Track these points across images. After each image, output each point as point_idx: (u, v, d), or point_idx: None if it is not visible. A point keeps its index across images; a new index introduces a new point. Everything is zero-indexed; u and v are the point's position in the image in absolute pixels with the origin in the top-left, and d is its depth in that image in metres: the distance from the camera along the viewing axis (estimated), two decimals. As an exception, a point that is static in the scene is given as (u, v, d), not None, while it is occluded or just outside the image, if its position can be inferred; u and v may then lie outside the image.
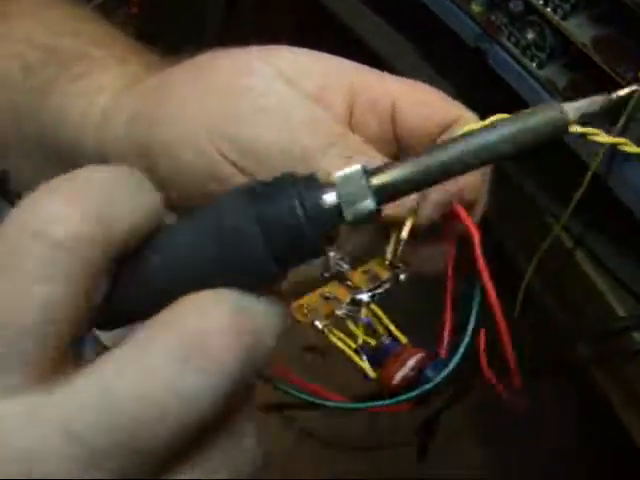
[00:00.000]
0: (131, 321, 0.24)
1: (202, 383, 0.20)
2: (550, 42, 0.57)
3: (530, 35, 0.58)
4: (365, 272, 0.43)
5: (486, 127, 0.25)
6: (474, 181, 0.40)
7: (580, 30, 0.54)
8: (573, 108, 0.26)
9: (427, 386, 0.34)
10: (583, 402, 0.57)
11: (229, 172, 0.39)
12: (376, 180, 0.25)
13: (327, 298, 0.41)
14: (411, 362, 0.36)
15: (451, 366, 0.34)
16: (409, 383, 0.36)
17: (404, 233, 0.38)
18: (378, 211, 0.25)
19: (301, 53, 0.40)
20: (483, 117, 0.37)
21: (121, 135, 0.40)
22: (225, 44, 0.41)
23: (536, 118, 0.25)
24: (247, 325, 0.22)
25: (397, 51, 0.71)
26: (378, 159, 0.40)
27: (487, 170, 0.44)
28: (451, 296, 0.40)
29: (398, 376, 0.36)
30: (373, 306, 0.41)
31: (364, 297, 0.41)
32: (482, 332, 0.40)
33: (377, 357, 0.39)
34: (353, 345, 0.39)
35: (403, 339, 0.39)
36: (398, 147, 0.43)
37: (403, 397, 0.34)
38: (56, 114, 0.42)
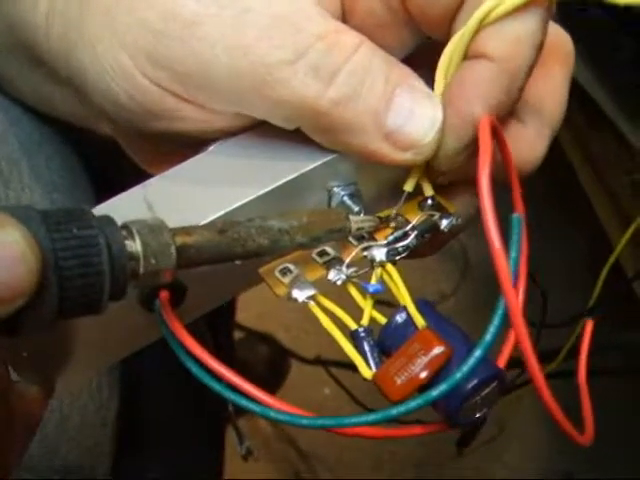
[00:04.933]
0: None
1: None
2: None
3: None
4: (387, 219, 0.30)
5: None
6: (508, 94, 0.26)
7: None
8: (355, 221, 0.27)
9: (433, 393, 0.22)
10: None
11: (173, 106, 0.28)
12: (180, 240, 0.23)
13: (323, 254, 0.28)
14: (425, 359, 0.23)
15: (471, 362, 0.21)
16: (420, 390, 0.24)
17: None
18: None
19: None
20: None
21: (60, 54, 0.31)
22: None
23: (330, 222, 0.27)
24: None
25: None
26: (379, 66, 0.27)
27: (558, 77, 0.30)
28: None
29: (402, 381, 0.23)
30: (390, 268, 0.28)
31: (378, 253, 0.28)
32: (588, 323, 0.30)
33: (384, 344, 0.26)
34: (353, 325, 0.27)
35: (420, 321, 0.25)
36: (417, 32, 0.29)
37: (388, 413, 0.22)
38: (12, 8, 0.33)
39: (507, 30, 0.25)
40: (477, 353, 0.21)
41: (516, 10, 0.25)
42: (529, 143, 0.29)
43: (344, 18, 0.28)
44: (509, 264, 0.21)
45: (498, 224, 0.21)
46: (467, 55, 0.26)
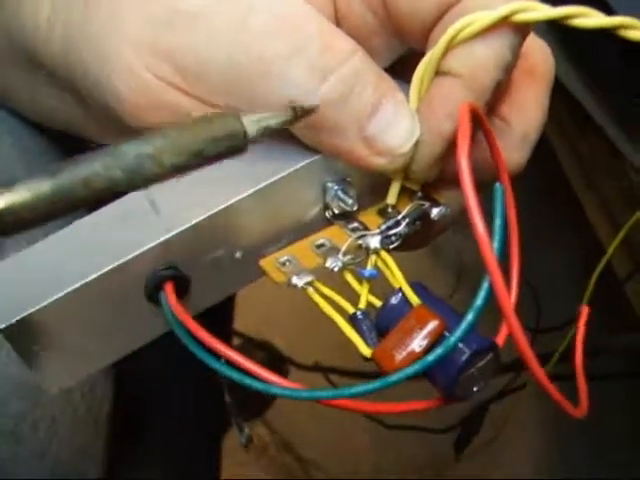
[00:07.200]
0: None
1: None
2: None
3: None
4: (380, 210, 0.31)
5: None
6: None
7: None
8: (251, 121, 0.23)
9: (430, 357, 0.23)
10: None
11: (173, 99, 0.29)
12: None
13: (321, 246, 0.30)
14: (421, 333, 0.25)
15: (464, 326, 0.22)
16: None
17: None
18: None
19: None
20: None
21: (60, 55, 0.31)
22: None
23: (213, 129, 0.22)
24: None
25: None
26: (370, 76, 0.28)
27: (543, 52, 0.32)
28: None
29: (400, 355, 0.24)
30: (384, 254, 0.29)
31: (373, 241, 0.29)
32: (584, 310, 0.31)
33: (381, 325, 0.27)
34: (351, 309, 0.28)
35: (415, 299, 0.27)
36: (404, 41, 0.31)
37: (387, 380, 0.23)
38: (11, 14, 0.33)
39: (473, 50, 0.27)
40: (469, 317, 0.22)
41: (483, 32, 0.26)
42: (515, 144, 0.31)
43: (337, 23, 0.30)
44: (494, 234, 0.22)
45: (480, 203, 0.22)
46: (438, 71, 0.28)
